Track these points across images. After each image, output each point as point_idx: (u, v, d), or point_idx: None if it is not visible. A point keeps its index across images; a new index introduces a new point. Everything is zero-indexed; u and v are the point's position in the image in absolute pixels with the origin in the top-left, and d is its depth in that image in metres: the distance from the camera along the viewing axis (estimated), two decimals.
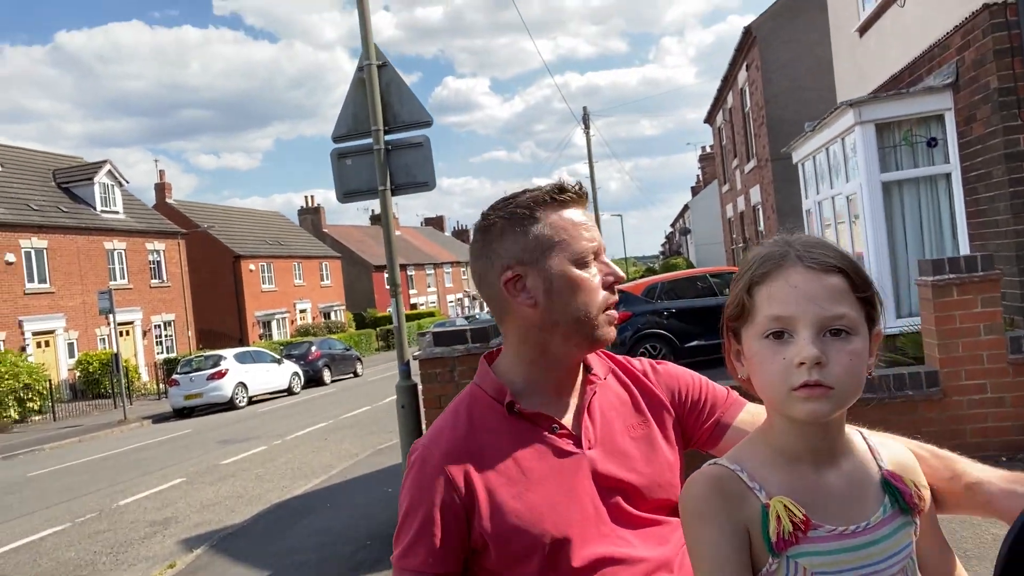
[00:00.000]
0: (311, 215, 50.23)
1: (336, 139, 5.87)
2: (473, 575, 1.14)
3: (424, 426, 5.32)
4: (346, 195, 5.91)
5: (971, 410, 4.95)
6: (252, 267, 38.02)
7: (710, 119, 26.86)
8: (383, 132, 5.69)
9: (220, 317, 36.00)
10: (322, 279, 44.38)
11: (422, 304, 52.36)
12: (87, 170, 30.36)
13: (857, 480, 0.96)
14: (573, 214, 1.20)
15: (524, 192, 1.22)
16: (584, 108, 31.15)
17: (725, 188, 25.94)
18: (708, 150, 45.60)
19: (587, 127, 30.90)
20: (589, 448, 1.17)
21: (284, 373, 22.25)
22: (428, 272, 55.57)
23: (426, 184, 5.78)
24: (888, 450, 1.01)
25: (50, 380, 22.57)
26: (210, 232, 35.93)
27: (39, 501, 10.06)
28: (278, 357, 23.06)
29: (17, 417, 20.97)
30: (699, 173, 51.86)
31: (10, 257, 24.49)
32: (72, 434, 17.50)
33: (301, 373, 22.99)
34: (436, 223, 70.98)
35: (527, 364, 1.20)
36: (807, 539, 0.90)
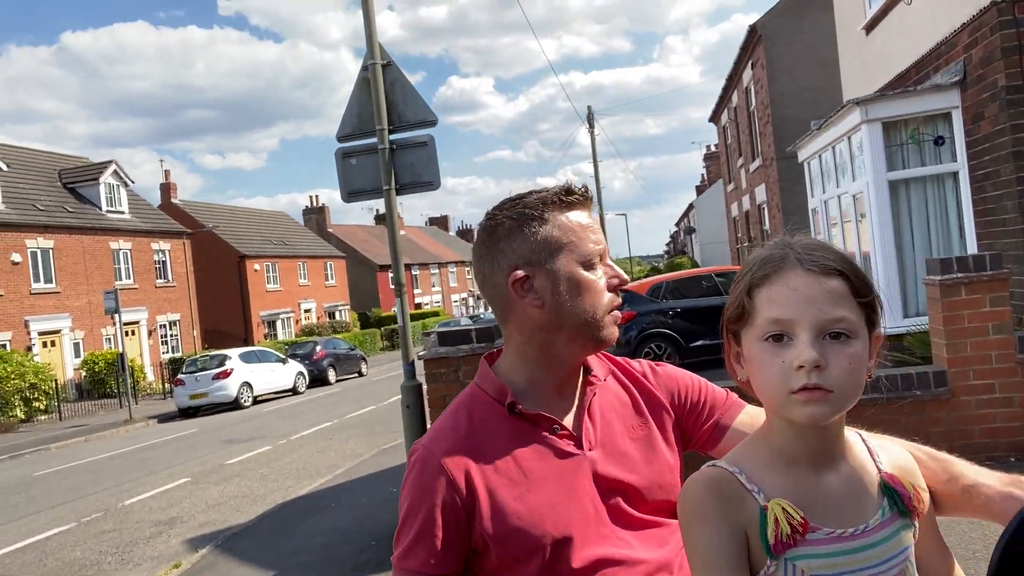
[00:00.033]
0: (316, 215, 50.34)
1: (340, 139, 5.87)
2: (473, 575, 1.14)
3: (429, 426, 5.31)
4: (350, 195, 5.91)
5: (979, 410, 4.93)
6: (257, 267, 38.11)
7: (715, 118, 26.79)
8: (387, 131, 5.69)
9: (225, 317, 36.11)
10: (327, 279, 44.45)
11: (426, 304, 52.43)
12: (93, 170, 30.46)
13: (856, 482, 0.96)
14: (580, 216, 1.20)
15: (531, 193, 1.21)
16: (588, 107, 31.10)
17: (730, 187, 25.88)
18: (713, 149, 45.42)
19: (591, 126, 30.87)
20: (590, 449, 1.17)
21: (289, 373, 22.30)
22: (432, 272, 55.60)
23: (431, 183, 5.77)
24: (887, 452, 1.01)
25: (56, 380, 22.64)
26: (215, 232, 36.06)
27: (45, 500, 10.10)
28: (283, 357, 23.12)
29: (23, 417, 21.06)
30: (704, 172, 51.69)
31: (16, 257, 24.59)
32: (78, 434, 17.56)
33: (306, 373, 23.04)
34: (440, 223, 70.99)
35: (530, 365, 1.20)
36: (805, 541, 0.90)
